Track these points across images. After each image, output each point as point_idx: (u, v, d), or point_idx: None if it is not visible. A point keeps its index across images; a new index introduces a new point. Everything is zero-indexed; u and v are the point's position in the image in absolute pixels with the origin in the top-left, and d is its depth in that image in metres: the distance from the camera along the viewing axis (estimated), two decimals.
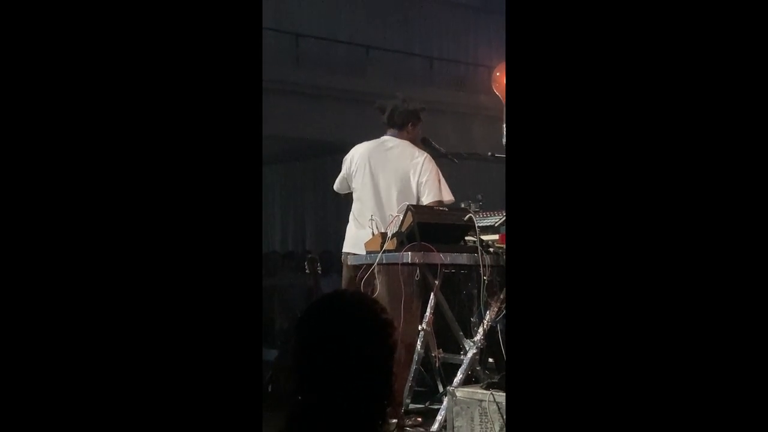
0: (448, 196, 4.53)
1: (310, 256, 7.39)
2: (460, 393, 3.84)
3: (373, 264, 4.11)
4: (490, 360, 4.43)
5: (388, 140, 4.61)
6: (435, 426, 3.98)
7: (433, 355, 4.28)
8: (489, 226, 4.36)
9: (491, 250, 4.17)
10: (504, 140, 4.39)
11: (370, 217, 4.39)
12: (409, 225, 4.06)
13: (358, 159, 4.62)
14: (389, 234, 4.15)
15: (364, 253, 4.31)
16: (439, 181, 4.51)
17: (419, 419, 4.23)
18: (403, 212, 4.15)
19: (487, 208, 4.55)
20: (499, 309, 4.13)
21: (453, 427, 3.82)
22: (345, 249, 4.60)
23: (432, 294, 4.19)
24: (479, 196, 4.59)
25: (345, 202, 4.86)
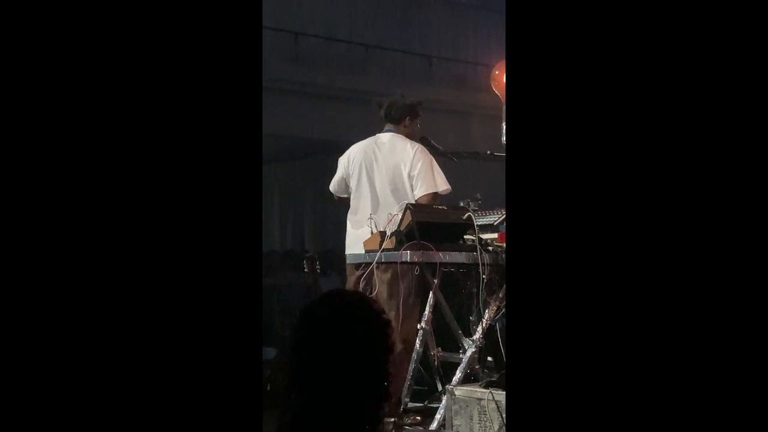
0: (443, 186, 4.46)
1: (309, 255, 7.39)
2: (459, 392, 3.85)
3: (372, 263, 4.12)
4: (489, 359, 4.42)
5: (381, 136, 4.59)
6: (434, 425, 3.98)
7: (432, 353, 4.28)
8: (488, 224, 4.36)
9: (490, 248, 4.17)
10: (503, 139, 4.39)
11: (368, 216, 4.39)
12: (408, 224, 4.06)
13: (354, 158, 4.61)
14: (388, 233, 4.15)
15: (363, 251, 4.30)
16: (433, 170, 4.44)
17: (418, 418, 4.23)
18: (402, 211, 4.14)
19: (486, 206, 4.54)
20: (498, 308, 4.14)
21: (452, 426, 3.82)
22: (347, 251, 4.60)
23: (431, 293, 4.19)
24: (478, 195, 4.59)
25: (340, 203, 4.84)
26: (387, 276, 4.14)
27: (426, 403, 4.42)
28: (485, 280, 4.06)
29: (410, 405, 4.33)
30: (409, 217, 4.06)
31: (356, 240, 4.45)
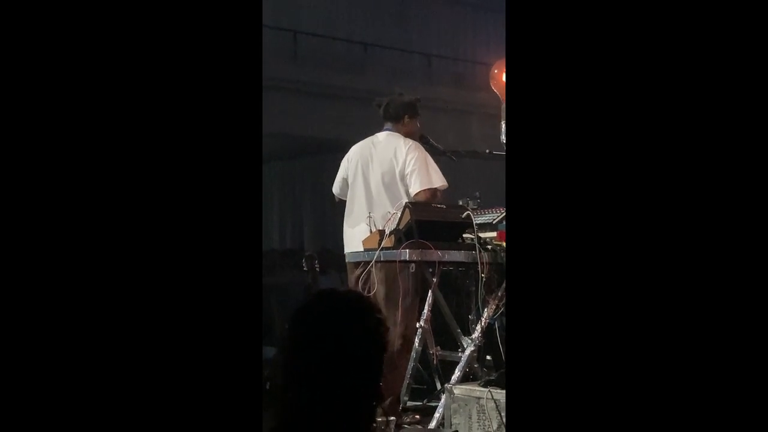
0: (439, 182, 4.41)
1: (308, 253, 7.40)
2: (458, 390, 3.85)
3: (370, 261, 4.12)
4: (488, 357, 4.43)
5: (378, 135, 4.57)
6: (433, 423, 3.98)
7: (431, 352, 4.28)
8: (487, 223, 4.35)
9: (489, 247, 4.17)
10: (502, 137, 4.39)
11: (364, 214, 4.38)
12: (407, 222, 4.05)
13: (352, 159, 4.60)
14: (387, 231, 4.15)
15: (361, 249, 4.30)
16: (428, 166, 4.40)
17: (417, 416, 4.23)
18: (401, 209, 4.14)
19: (485, 205, 4.53)
20: (497, 306, 4.13)
21: (451, 425, 3.82)
22: (345, 249, 4.59)
23: (430, 291, 4.19)
24: (477, 194, 4.58)
25: (341, 204, 4.83)
26: (385, 275, 4.14)
27: (425, 401, 4.43)
28: (484, 279, 4.06)
29: (409, 403, 4.34)
30: (408, 216, 4.06)
31: (352, 238, 4.44)
